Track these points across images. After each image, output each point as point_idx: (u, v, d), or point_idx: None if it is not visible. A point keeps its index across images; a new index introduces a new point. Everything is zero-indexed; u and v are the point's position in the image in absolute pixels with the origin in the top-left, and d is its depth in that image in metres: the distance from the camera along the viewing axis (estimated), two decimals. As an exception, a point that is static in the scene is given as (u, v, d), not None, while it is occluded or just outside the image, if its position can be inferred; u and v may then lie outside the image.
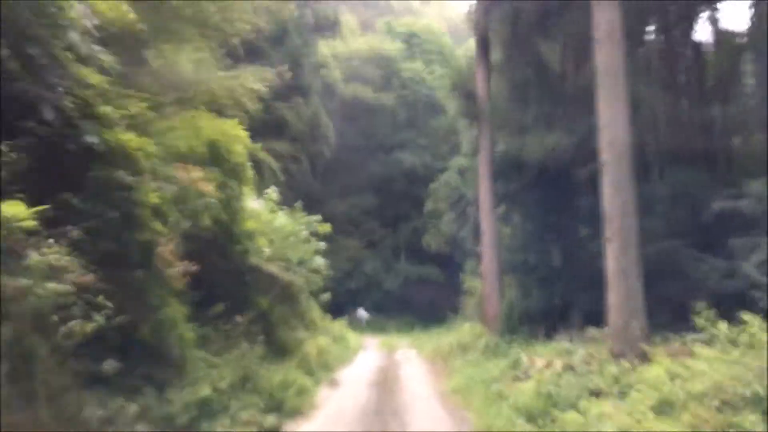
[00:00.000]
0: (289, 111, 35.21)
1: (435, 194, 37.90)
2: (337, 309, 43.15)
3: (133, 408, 8.07)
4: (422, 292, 47.19)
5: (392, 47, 50.86)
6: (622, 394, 8.61)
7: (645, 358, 9.93)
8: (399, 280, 47.26)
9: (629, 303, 10.75)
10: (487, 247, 20.87)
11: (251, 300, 14.05)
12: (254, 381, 11.32)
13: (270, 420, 10.31)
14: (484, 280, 21.23)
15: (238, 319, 12.10)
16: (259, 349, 12.19)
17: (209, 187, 10.22)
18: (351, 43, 51.44)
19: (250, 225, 14.63)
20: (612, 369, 9.59)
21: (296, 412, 11.78)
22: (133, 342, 9.03)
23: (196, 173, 10.06)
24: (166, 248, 8.80)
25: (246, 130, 15.39)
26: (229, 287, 13.40)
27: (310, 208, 48.86)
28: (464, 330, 21.89)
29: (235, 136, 13.72)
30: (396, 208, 48.67)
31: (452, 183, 29.12)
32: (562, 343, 16.64)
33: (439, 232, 37.62)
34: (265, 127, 32.22)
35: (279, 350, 15.77)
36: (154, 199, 8.03)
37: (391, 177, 48.00)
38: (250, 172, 14.95)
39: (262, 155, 32.22)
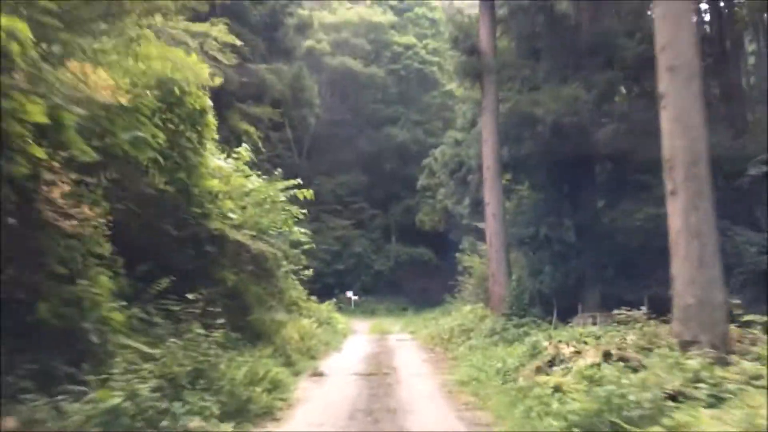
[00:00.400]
0: (269, 73, 32.13)
1: (429, 168, 35.07)
2: (324, 291, 40.43)
3: (9, 423, 5.41)
4: (414, 274, 44.70)
5: (383, 18, 47.77)
6: (717, 400, 5.97)
7: (729, 346, 7.33)
8: (390, 261, 44.67)
9: (704, 272, 8.11)
10: (492, 219, 18.22)
11: (213, 274, 11.32)
12: (210, 376, 8.63)
13: (226, 428, 7.63)
14: (489, 256, 18.61)
15: (192, 297, 9.31)
16: (219, 334, 9.43)
17: (123, 98, 7.38)
18: (340, 13, 48.29)
19: (213, 185, 11.84)
20: (691, 363, 6.92)
21: (266, 415, 9.13)
22: (23, 326, 6.33)
23: (103, 77, 7.25)
24: (58, 189, 6.04)
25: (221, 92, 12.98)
26: (184, 258, 10.66)
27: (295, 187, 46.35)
28: (465, 312, 19.31)
29: (195, 72, 10.87)
30: (386, 187, 45.91)
31: (450, 151, 26.34)
32: (585, 326, 14.13)
33: (433, 209, 34.90)
34: (242, 90, 29.36)
35: (251, 335, 13.11)
36: (34, 111, 5.23)
37: (381, 154, 45.18)
38: (212, 122, 12.14)
39: (237, 120, 29.47)
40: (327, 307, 25.40)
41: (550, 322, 16.12)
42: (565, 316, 16.36)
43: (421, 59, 45.56)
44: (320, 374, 13.52)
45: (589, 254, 17.25)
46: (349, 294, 41.37)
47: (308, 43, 41.66)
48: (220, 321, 9.71)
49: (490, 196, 18.13)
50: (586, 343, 11.19)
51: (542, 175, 18.45)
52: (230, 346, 11.01)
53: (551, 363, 10.60)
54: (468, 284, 24.96)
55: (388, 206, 45.92)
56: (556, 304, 16.68)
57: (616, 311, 13.48)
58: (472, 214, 27.94)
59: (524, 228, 18.35)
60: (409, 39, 46.27)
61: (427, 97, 48.58)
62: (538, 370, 10.41)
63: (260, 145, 32.30)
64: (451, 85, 45.67)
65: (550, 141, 16.94)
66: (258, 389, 9.27)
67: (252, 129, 30.08)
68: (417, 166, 45.08)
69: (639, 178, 17.03)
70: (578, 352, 10.57)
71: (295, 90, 36.03)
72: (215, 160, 12.91)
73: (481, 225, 22.88)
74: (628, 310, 12.28)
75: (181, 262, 10.60)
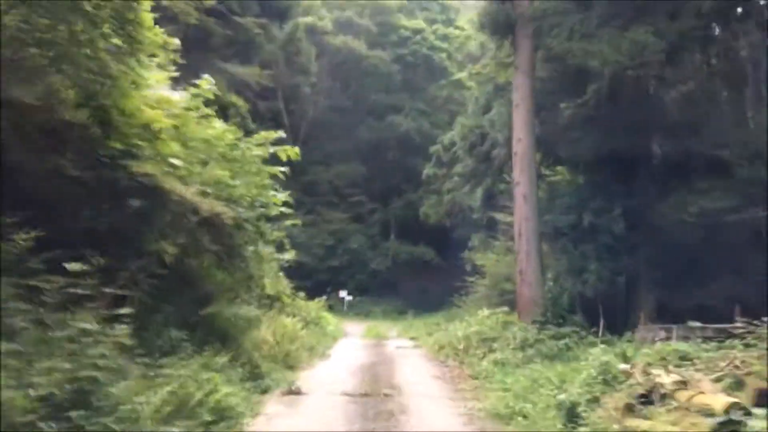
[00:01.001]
0: (258, 27, 28.16)
1: (438, 155, 31.35)
2: (316, 289, 36.72)
3: None
4: (414, 274, 40.95)
5: (391, 1, 44.08)
6: None
7: None
8: (388, 259, 40.90)
9: None
10: (522, 203, 14.48)
11: (141, 242, 7.55)
12: (92, 403, 4.87)
13: None
14: (517, 249, 14.82)
15: (77, 268, 5.56)
16: (123, 331, 5.67)
17: None
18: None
19: (150, 116, 8.07)
20: None
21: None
22: None
23: None
24: None
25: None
26: (94, 214, 6.93)
27: (288, 176, 42.55)
28: (482, 318, 15.46)
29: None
30: (387, 180, 42.16)
31: (470, 122, 22.60)
32: (657, 341, 10.41)
33: (439, 202, 31.04)
34: (226, 48, 25.57)
35: (204, 336, 9.37)
36: None
37: (382, 144, 41.45)
38: (157, 33, 8.42)
39: (221, 87, 25.73)
40: (316, 306, 21.64)
41: (596, 333, 12.40)
42: (614, 326, 12.62)
43: (430, 45, 41.84)
44: (296, 392, 9.76)
45: (644, 250, 13.53)
46: (343, 293, 37.63)
47: (308, 19, 37.85)
48: (126, 311, 5.87)
49: (522, 174, 14.39)
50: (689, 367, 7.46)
51: (586, 151, 14.66)
52: (167, 350, 7.33)
53: (645, 397, 6.84)
54: (480, 285, 21.18)
55: (387, 200, 42.16)
56: (603, 311, 12.93)
57: (693, 323, 9.85)
58: (485, 206, 24.29)
59: (562, 215, 14.58)
60: (418, 23, 42.47)
61: (434, 88, 44.90)
62: (628, 410, 6.64)
63: (249, 120, 28.74)
64: (461, 74, 42.11)
65: (599, 106, 13.22)
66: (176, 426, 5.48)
67: (241, 102, 26.32)
68: (421, 158, 41.42)
69: (710, 155, 13.28)
70: (683, 383, 6.83)
71: (288, 53, 32.13)
72: (162, 89, 9.11)
73: (498, 215, 19.16)
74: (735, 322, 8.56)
75: (88, 220, 6.85)
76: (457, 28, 42.92)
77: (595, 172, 14.77)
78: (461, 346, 13.88)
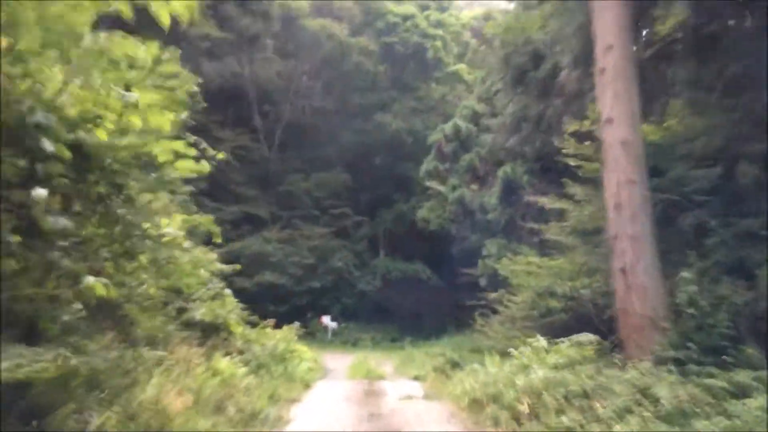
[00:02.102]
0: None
1: (438, 142, 25.21)
2: (294, 315, 30.48)
3: None
4: (408, 295, 34.76)
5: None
6: None
7: None
8: (377, 279, 34.72)
9: None
10: (622, 157, 8.28)
11: None
12: None
13: None
14: (615, 233, 8.44)
15: None
16: None
17: None
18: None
19: None
20: None
21: None
22: None
23: None
24: None
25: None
26: None
27: (263, 187, 36.19)
28: (552, 353, 9.16)
29: None
30: (375, 188, 36.13)
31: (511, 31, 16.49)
32: None
33: (441, 204, 24.82)
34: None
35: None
36: None
37: (369, 148, 35.53)
38: None
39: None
40: (285, 336, 15.23)
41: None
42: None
43: (422, 32, 35.95)
44: None
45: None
46: (326, 320, 31.37)
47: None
48: None
49: (616, 104, 8.33)
50: None
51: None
52: None
53: None
54: (512, 304, 14.88)
55: (376, 212, 36.05)
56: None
57: None
58: (505, 201, 18.21)
59: (690, 169, 8.35)
60: (407, 8, 36.63)
61: (426, 87, 39.09)
62: None
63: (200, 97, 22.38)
64: (457, 67, 36.39)
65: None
66: None
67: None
68: (413, 163, 35.46)
69: None
70: None
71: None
72: None
73: (542, 200, 13.12)
74: None
75: None
76: (451, 15, 37.23)
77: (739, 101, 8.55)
78: (524, 405, 7.51)
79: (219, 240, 8.58)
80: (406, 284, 35.21)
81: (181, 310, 10.38)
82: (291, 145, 37.15)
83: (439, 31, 36.36)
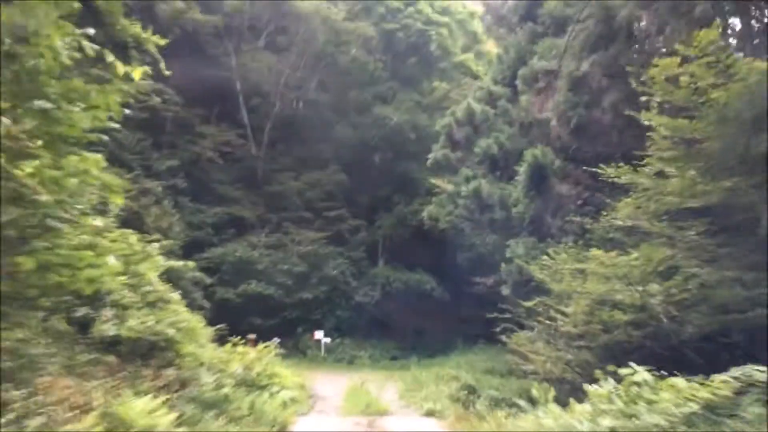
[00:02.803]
0: None
1: (448, 130, 21.70)
2: (284, 328, 27.68)
3: None
4: (410, 308, 31.28)
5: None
6: None
7: None
8: (376, 290, 31.23)
9: None
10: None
11: None
12: None
13: None
14: None
15: None
16: None
17: None
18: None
19: None
20: None
21: None
22: None
23: None
24: None
25: None
26: None
27: (250, 187, 32.67)
28: (641, 385, 5.51)
29: None
30: (374, 190, 32.72)
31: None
32: None
33: (452, 199, 21.22)
34: None
35: None
36: None
37: (367, 145, 32.13)
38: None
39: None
40: (260, 356, 11.57)
41: None
42: None
43: (426, 19, 32.58)
44: None
45: None
46: (319, 335, 27.78)
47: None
48: None
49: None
50: None
51: None
52: None
53: None
54: (559, 316, 11.32)
55: (375, 215, 32.57)
56: None
57: None
58: (534, 190, 14.78)
59: None
60: (411, -8, 33.34)
61: (429, 82, 35.74)
62: None
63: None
64: (464, 57, 33.09)
65: None
66: None
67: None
68: (416, 163, 32.00)
69: None
70: None
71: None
72: None
73: (609, 171, 9.55)
74: None
75: None
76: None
77: None
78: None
79: (119, 202, 4.88)
80: (408, 296, 31.67)
81: (86, 322, 6.72)
82: (281, 142, 33.72)
83: (445, 18, 33.07)
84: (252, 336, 16.56)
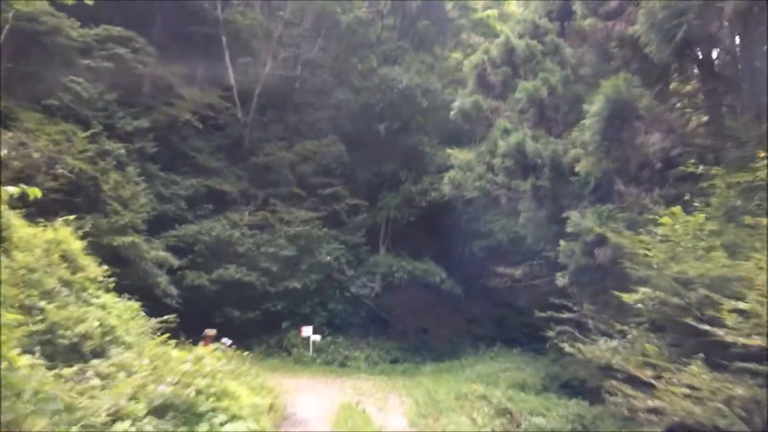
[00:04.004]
0: None
1: (478, 72, 17.08)
2: (265, 325, 24.63)
3: None
4: (415, 302, 26.89)
5: None
6: None
7: None
8: (376, 281, 26.81)
9: None
10: None
11: None
12: None
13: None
14: None
15: None
16: None
17: None
18: None
19: None
20: None
21: None
22: None
23: None
24: None
25: None
26: None
27: (234, 157, 28.26)
28: None
29: None
30: (376, 164, 28.35)
31: None
32: None
33: (483, 159, 16.71)
34: None
35: None
36: None
37: (371, 112, 27.71)
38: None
39: None
40: (200, 363, 6.89)
41: None
42: None
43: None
44: None
45: None
46: (307, 331, 23.69)
47: None
48: None
49: None
50: None
51: None
52: None
53: None
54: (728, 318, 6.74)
55: (377, 194, 28.19)
56: None
57: None
58: (603, 148, 10.31)
59: None
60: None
61: (442, 49, 31.26)
62: None
63: None
64: (487, 13, 28.63)
65: None
66: None
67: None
68: (425, 135, 27.64)
69: None
70: None
71: None
72: None
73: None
74: None
75: None
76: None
77: None
78: None
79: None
80: (412, 289, 27.27)
81: None
82: (272, 108, 29.31)
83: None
84: (210, 332, 12.16)
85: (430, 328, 27.96)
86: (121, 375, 7.52)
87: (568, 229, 11.66)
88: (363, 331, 26.13)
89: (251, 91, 28.84)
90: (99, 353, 8.23)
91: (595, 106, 10.50)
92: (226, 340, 10.77)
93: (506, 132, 14.17)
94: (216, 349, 9.34)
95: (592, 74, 13.52)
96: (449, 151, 20.13)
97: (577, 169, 11.72)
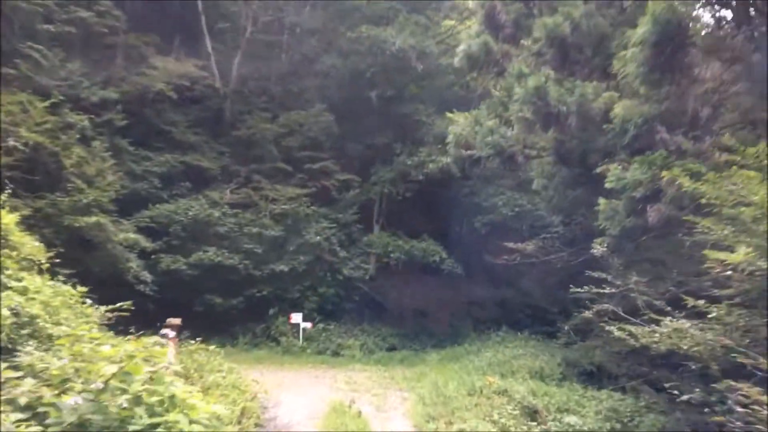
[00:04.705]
0: None
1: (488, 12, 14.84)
2: (250, 310, 22.54)
3: None
4: (413, 285, 24.82)
5: None
6: None
7: None
8: (370, 261, 24.62)
9: None
10: None
11: None
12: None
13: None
14: None
15: None
16: None
17: None
18: None
19: None
20: None
21: None
22: None
23: None
24: None
25: None
26: None
27: (213, 131, 25.97)
28: None
29: None
30: (368, 136, 26.32)
31: None
32: None
33: (495, 109, 14.45)
34: None
35: None
36: None
37: (361, 79, 25.45)
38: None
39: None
40: (135, 362, 4.54)
41: None
42: None
43: None
44: None
45: None
46: (297, 318, 21.83)
47: None
48: None
49: None
50: None
51: None
52: None
53: None
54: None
55: (370, 168, 25.97)
56: None
57: None
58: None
59: None
60: None
61: (434, 15, 28.94)
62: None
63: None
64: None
65: None
66: None
67: None
68: (423, 101, 25.50)
69: None
70: None
71: None
72: None
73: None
74: None
75: None
76: None
77: None
78: None
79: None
80: (409, 270, 25.18)
81: None
82: (253, 77, 26.85)
83: None
84: (174, 321, 10.03)
85: (428, 311, 25.95)
86: (29, 381, 5.41)
87: (608, 185, 9.48)
88: (357, 317, 24.07)
89: (230, 60, 26.51)
90: (9, 350, 6.18)
91: (640, 31, 8.37)
92: (168, 332, 8.64)
93: (523, 76, 11.85)
94: (156, 344, 7.24)
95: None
96: (449, 115, 17.93)
97: (612, 115, 9.57)
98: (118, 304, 10.73)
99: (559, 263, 15.92)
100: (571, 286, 11.40)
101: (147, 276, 19.60)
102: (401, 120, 25.57)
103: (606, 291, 9.74)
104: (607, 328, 9.14)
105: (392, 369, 18.23)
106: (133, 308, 10.03)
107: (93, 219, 17.91)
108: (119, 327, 17.77)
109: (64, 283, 9.47)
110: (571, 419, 9.50)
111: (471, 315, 26.52)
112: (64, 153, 18.43)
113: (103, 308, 10.02)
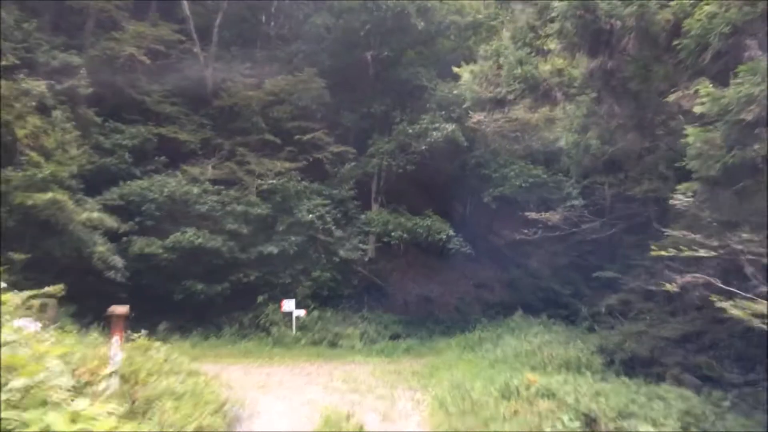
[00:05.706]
0: None
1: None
2: (237, 297, 19.95)
3: None
4: (417, 267, 22.36)
5: None
6: None
7: None
8: (369, 242, 22.25)
9: None
10: None
11: None
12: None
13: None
14: None
15: None
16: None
17: None
18: None
19: None
20: None
21: None
22: None
23: None
24: None
25: None
26: None
27: (193, 101, 23.36)
28: None
29: None
30: (365, 104, 23.83)
31: None
32: None
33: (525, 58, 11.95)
34: None
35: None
36: None
37: (357, 41, 22.82)
38: None
39: None
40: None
41: None
42: None
43: None
44: None
45: None
46: (289, 306, 19.59)
47: None
48: None
49: None
50: None
51: None
52: None
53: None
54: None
55: (367, 139, 23.40)
56: None
57: None
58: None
59: None
60: None
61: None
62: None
63: None
64: None
65: None
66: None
67: None
68: (424, 64, 22.97)
69: None
70: None
71: None
72: None
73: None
74: None
75: None
76: None
77: None
78: None
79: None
80: (412, 251, 22.79)
81: None
82: (237, 41, 24.31)
83: None
84: (119, 309, 7.60)
85: (433, 295, 23.64)
86: None
87: (698, 110, 6.96)
88: (356, 303, 21.72)
89: (210, 23, 23.90)
90: None
91: None
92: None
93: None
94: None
95: None
96: (456, 69, 15.44)
97: (686, 26, 7.05)
98: (44, 289, 8.31)
99: (590, 234, 13.49)
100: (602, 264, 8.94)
101: (117, 261, 17.17)
102: (400, 86, 23.02)
103: (702, 254, 7.28)
104: (718, 304, 6.71)
105: (398, 361, 15.90)
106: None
107: (48, 195, 15.42)
108: (84, 319, 15.38)
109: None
110: (644, 428, 7.14)
111: (479, 298, 24.28)
112: (18, 122, 16.00)
113: (25, 294, 7.62)
